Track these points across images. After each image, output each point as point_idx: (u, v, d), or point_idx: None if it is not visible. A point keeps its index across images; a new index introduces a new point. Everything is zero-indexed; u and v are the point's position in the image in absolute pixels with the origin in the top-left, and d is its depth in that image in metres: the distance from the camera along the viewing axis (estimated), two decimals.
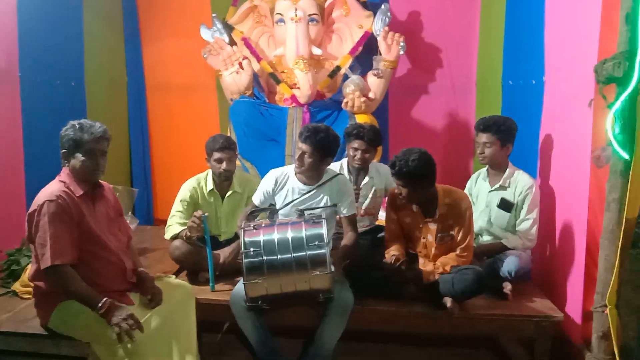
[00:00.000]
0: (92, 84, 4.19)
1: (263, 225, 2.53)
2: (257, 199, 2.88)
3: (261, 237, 2.45)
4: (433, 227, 2.69)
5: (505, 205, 2.98)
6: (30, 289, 2.60)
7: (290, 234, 2.45)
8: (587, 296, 2.59)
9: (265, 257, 2.40)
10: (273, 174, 2.87)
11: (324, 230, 2.44)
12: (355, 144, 3.13)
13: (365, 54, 4.10)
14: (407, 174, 2.51)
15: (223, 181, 3.11)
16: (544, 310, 2.62)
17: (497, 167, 3.04)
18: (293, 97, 3.97)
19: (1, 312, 2.62)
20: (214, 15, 4.14)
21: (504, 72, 3.93)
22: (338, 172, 2.97)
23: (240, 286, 2.52)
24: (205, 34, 4.15)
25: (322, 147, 2.67)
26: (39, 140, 3.47)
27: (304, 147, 2.67)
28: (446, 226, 2.67)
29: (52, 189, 2.19)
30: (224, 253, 2.94)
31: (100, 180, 2.40)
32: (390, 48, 3.94)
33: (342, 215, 2.85)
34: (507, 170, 3.00)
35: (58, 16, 3.78)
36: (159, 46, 4.64)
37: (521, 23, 3.63)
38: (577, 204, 2.68)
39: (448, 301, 2.56)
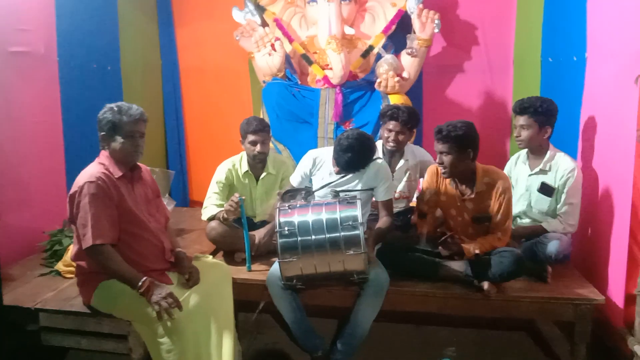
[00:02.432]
0: (127, 68, 4.26)
1: (298, 205, 2.53)
2: (295, 180, 2.88)
3: (296, 218, 2.45)
4: (470, 206, 2.65)
5: (546, 189, 2.90)
6: (73, 269, 2.69)
7: (324, 216, 2.44)
8: (630, 279, 2.53)
9: (299, 238, 2.41)
10: (311, 155, 2.87)
11: (358, 211, 2.43)
12: (390, 125, 3.08)
13: (399, 32, 4.03)
14: (456, 138, 2.48)
15: (257, 163, 3.12)
16: (584, 293, 2.56)
17: (536, 151, 2.95)
18: (325, 78, 3.94)
19: (45, 290, 2.71)
20: None
21: (543, 49, 3.80)
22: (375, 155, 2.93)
23: (277, 266, 2.54)
24: (237, 16, 4.14)
25: (357, 168, 2.65)
26: (77, 123, 3.56)
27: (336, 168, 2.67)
28: (483, 206, 2.63)
29: (91, 171, 2.23)
30: (259, 234, 2.97)
31: (137, 163, 2.43)
32: (424, 26, 3.86)
33: (378, 200, 2.83)
34: (548, 153, 2.91)
35: (93, 2, 3.82)
36: (192, 29, 4.67)
37: None
38: (621, 185, 2.59)
39: (485, 283, 2.53)
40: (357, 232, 2.39)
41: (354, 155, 2.54)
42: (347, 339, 2.57)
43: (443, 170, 2.62)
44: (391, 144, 3.10)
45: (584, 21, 3.02)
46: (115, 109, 2.29)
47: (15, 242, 3.06)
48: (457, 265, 2.65)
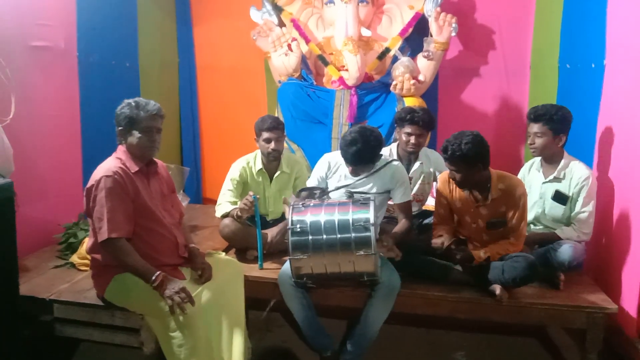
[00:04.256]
0: (145, 65, 4.30)
1: (311, 204, 2.54)
2: (312, 185, 2.88)
3: (308, 217, 2.46)
4: (484, 212, 2.64)
5: (560, 198, 2.88)
6: (87, 261, 2.72)
7: (337, 216, 2.44)
8: None
9: (311, 237, 2.42)
10: (326, 158, 2.87)
11: (370, 212, 2.42)
12: (409, 128, 3.07)
13: (416, 35, 4.02)
14: (461, 159, 2.45)
15: (271, 161, 3.14)
16: (597, 301, 2.54)
17: (550, 158, 2.93)
18: (341, 80, 3.94)
19: (60, 282, 2.74)
20: None
21: (560, 55, 3.76)
22: (389, 158, 2.92)
23: (287, 265, 2.55)
24: (254, 15, 4.17)
25: (366, 162, 2.64)
26: (94, 118, 3.59)
27: (349, 167, 2.66)
28: (498, 212, 2.61)
29: (108, 165, 2.26)
30: (271, 232, 2.99)
31: (154, 158, 2.46)
32: (441, 29, 3.84)
33: (395, 202, 2.82)
34: (562, 161, 2.89)
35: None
36: (209, 28, 4.70)
37: (581, 1, 3.44)
38: (637, 194, 2.57)
39: (497, 288, 2.51)
40: (368, 233, 2.38)
41: (358, 148, 2.52)
42: (357, 340, 2.57)
43: (457, 184, 2.62)
44: (411, 147, 3.09)
45: (603, 28, 2.99)
46: (133, 104, 2.32)
47: (32, 234, 3.10)
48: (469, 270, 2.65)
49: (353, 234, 2.39)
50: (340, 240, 2.40)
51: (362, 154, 2.56)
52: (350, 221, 2.42)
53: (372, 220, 2.40)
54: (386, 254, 2.56)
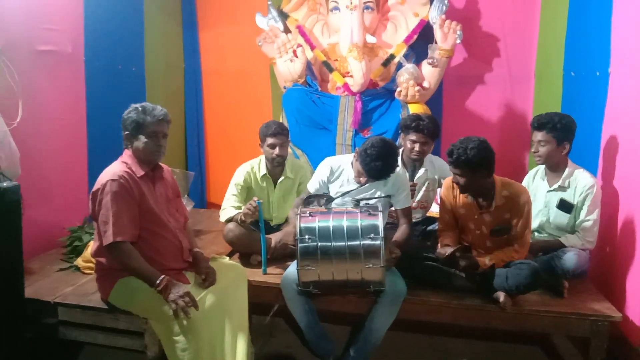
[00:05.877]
0: (151, 69, 4.33)
1: (319, 212, 2.54)
2: (312, 187, 2.89)
3: (316, 224, 2.46)
4: (488, 219, 2.64)
5: (565, 206, 2.88)
6: (92, 265, 2.74)
7: (345, 223, 2.45)
8: None
9: (319, 243, 2.41)
10: (328, 163, 2.87)
11: (379, 222, 2.42)
12: (414, 136, 3.07)
13: (421, 42, 4.04)
14: (465, 163, 2.45)
15: (276, 167, 3.15)
16: (601, 309, 2.52)
17: (554, 167, 2.92)
18: (345, 86, 3.95)
19: (64, 285, 2.75)
20: (269, 3, 4.18)
21: (565, 62, 3.77)
22: None
23: (291, 269, 2.55)
24: (260, 21, 4.19)
25: (388, 175, 2.63)
26: (100, 122, 3.63)
27: (364, 177, 2.64)
28: (502, 219, 2.61)
29: (114, 169, 2.27)
30: (275, 237, 2.99)
31: (159, 163, 2.47)
32: (446, 36, 3.86)
33: (396, 208, 2.82)
34: (567, 169, 2.88)
35: (121, 4, 3.91)
36: (215, 33, 4.74)
37: (586, 9, 3.45)
38: None
39: (501, 295, 2.51)
40: (377, 243, 2.38)
41: (385, 162, 2.51)
42: (361, 346, 2.57)
43: (460, 189, 2.62)
44: (416, 154, 3.09)
45: (608, 36, 3.00)
46: (140, 109, 2.33)
47: (37, 237, 3.12)
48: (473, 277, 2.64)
49: (362, 242, 2.40)
50: (349, 247, 2.40)
51: (387, 167, 2.56)
52: (360, 229, 2.41)
53: (381, 232, 2.39)
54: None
